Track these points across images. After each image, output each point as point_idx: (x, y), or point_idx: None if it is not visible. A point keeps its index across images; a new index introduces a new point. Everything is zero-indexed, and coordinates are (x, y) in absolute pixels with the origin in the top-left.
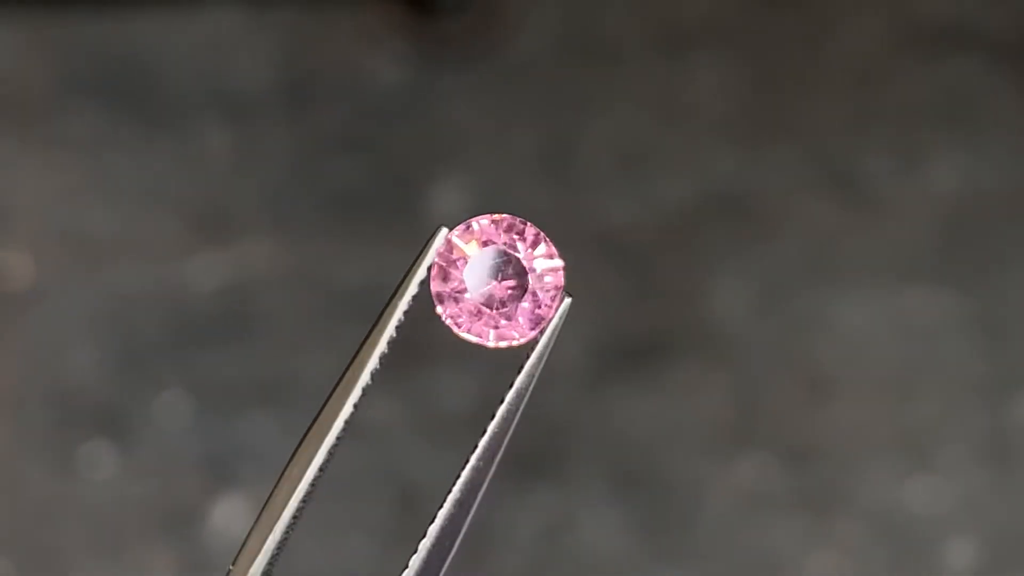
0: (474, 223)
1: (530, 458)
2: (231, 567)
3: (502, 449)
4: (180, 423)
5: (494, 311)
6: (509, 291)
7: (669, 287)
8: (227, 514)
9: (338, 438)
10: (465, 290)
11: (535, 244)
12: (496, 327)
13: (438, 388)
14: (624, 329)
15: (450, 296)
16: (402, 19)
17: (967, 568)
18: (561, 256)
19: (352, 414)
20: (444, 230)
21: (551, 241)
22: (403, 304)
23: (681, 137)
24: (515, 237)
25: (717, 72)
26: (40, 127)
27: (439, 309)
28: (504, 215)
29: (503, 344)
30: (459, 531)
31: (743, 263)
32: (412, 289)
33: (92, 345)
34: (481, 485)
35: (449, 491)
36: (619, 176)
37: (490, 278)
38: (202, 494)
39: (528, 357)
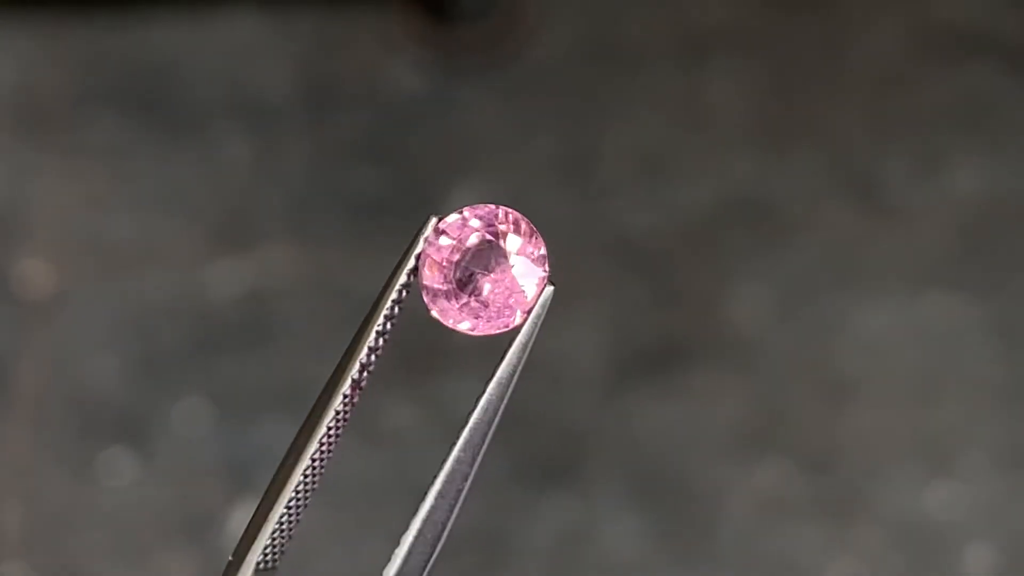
0: (461, 212)
1: (549, 465)
2: (231, 558)
3: (486, 442)
4: (200, 429)
5: (477, 300)
6: (493, 279)
7: (688, 293)
8: (245, 520)
9: (346, 419)
10: (450, 280)
11: (520, 234)
12: (479, 316)
13: (453, 393)
14: (643, 335)
15: (435, 286)
16: (422, 27)
17: (985, 573)
18: (547, 246)
19: (358, 396)
20: (433, 220)
21: (540, 233)
22: (392, 293)
23: (700, 143)
24: (501, 227)
25: (736, 78)
26: (61, 136)
27: (425, 299)
28: (490, 205)
29: (476, 333)
30: (444, 524)
31: (763, 268)
32: (402, 278)
33: (113, 352)
34: (466, 478)
35: (431, 484)
36: (638, 182)
37: (475, 267)
38: (221, 500)
39: (510, 345)
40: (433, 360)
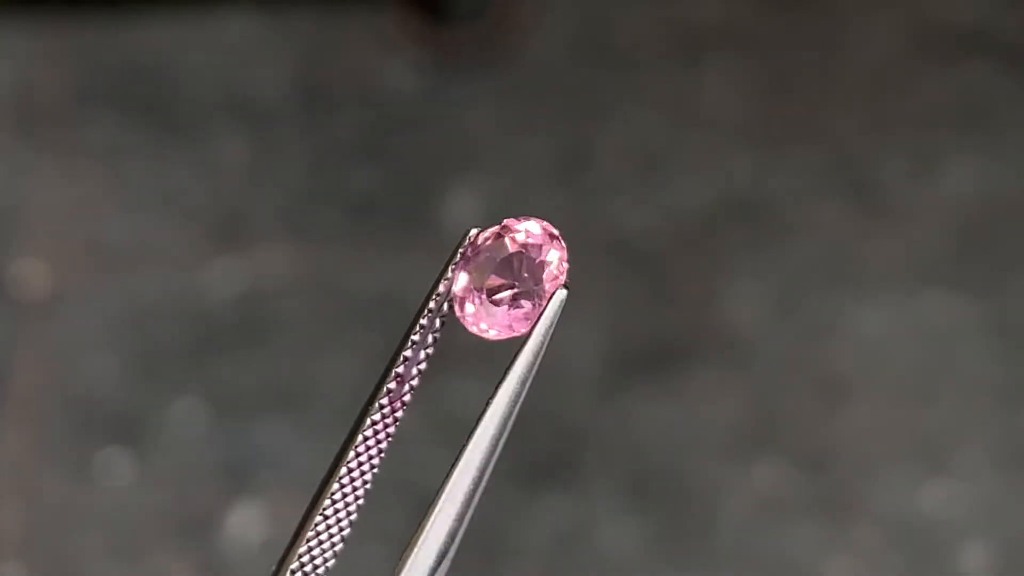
0: (501, 224)
1: (546, 465)
2: (273, 568)
3: (499, 447)
4: (197, 430)
5: (503, 306)
6: (523, 290)
7: (685, 293)
8: (243, 521)
9: (388, 433)
10: (480, 288)
11: (555, 248)
12: (505, 324)
13: (455, 395)
14: (640, 335)
15: (465, 294)
16: (418, 27)
17: (983, 572)
18: (568, 253)
19: (401, 410)
20: (473, 231)
21: (562, 239)
22: (431, 302)
23: (696, 142)
24: (535, 240)
25: (732, 77)
26: (58, 136)
27: (455, 306)
28: (531, 218)
29: (492, 336)
30: (453, 534)
31: (759, 268)
32: (440, 287)
33: (109, 353)
34: (476, 483)
35: (439, 490)
36: (634, 182)
37: (506, 278)
38: (218, 501)
39: (521, 350)
40: (433, 362)
